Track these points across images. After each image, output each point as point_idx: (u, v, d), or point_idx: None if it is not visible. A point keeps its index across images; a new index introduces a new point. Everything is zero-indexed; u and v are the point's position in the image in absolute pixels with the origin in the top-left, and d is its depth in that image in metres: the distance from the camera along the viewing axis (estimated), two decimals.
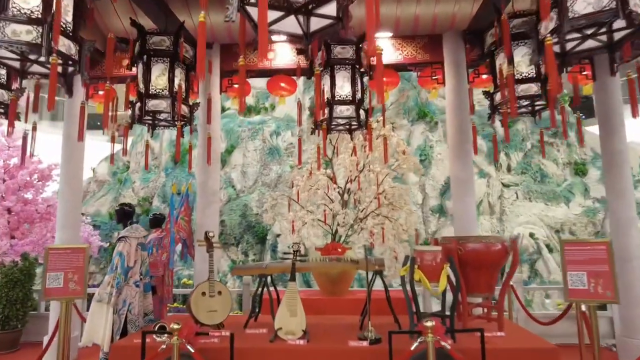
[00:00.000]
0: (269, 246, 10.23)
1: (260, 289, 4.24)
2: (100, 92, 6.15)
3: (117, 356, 3.35)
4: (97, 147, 14.64)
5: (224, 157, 11.50)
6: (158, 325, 3.63)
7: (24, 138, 4.23)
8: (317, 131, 4.83)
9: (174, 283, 5.85)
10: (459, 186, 5.30)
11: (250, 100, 12.51)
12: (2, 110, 3.67)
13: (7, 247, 6.57)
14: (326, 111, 4.49)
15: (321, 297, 5.37)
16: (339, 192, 5.80)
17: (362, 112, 4.55)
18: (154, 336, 3.34)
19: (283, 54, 5.78)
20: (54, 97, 2.87)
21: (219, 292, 4.11)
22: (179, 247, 5.23)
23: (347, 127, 4.80)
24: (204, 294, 4.03)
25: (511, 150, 11.24)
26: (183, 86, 4.44)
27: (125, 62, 6.01)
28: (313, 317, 3.95)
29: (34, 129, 4.27)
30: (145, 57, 4.37)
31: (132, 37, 4.49)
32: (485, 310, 4.12)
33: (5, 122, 3.76)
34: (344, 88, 4.49)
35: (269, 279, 4.13)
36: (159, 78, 4.38)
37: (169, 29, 4.60)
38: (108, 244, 9.87)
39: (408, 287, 3.51)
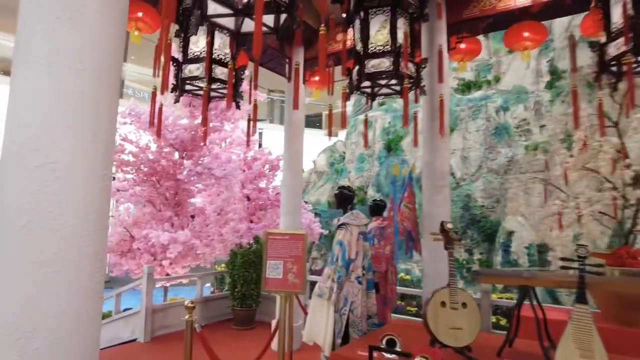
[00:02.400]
0: (499, 245, 8.55)
1: (519, 305, 3.01)
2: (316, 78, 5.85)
3: None
4: (317, 141, 15.64)
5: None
6: (386, 338, 2.84)
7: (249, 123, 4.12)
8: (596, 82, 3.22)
9: None
10: None
11: (468, 74, 10.94)
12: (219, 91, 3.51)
13: (245, 230, 7.11)
14: None
15: (606, 325, 3.68)
16: (634, 171, 3.89)
17: None
18: (383, 353, 2.57)
19: None
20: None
21: (464, 304, 3.04)
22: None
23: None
24: (443, 304, 3.03)
25: None
26: (408, 39, 3.53)
27: (340, 36, 5.58)
28: None
29: (252, 118, 4.10)
30: (362, 12, 3.67)
31: None
32: None
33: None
34: None
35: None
36: (378, 33, 3.58)
37: None
38: (327, 231, 10.05)
39: None
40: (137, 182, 6.76)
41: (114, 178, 6.88)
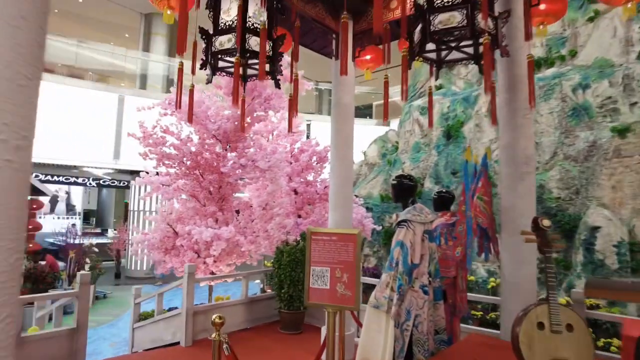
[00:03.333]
0: (579, 243, 7.44)
1: None
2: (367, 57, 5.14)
3: None
4: (367, 132, 14.90)
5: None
6: None
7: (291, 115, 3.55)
8: None
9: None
10: None
11: (537, 51, 9.72)
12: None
13: (291, 226, 6.62)
14: None
15: None
16: None
17: None
18: None
19: None
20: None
21: (569, 326, 2.30)
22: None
23: None
24: (541, 326, 2.30)
25: None
26: None
27: (394, 4, 4.87)
28: None
29: (293, 95, 3.52)
30: None
31: None
32: None
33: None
34: None
35: None
36: None
37: None
38: (380, 226, 9.36)
39: None
40: (180, 176, 6.46)
41: (157, 173, 6.63)
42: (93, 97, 12.26)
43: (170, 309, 6.25)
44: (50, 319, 5.73)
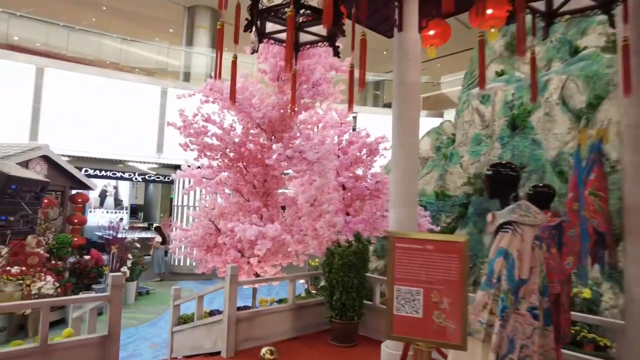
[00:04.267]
0: None
1: None
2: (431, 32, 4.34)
3: None
4: (427, 123, 13.95)
5: (586, 114, 8.13)
6: None
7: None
8: None
9: None
10: None
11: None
12: None
13: (342, 225, 5.97)
14: None
15: None
16: None
17: None
18: None
19: None
20: None
21: None
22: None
23: None
24: None
25: None
26: None
27: None
28: None
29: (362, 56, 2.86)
30: None
31: None
32: None
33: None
34: None
35: None
36: None
37: None
38: (437, 226, 8.52)
39: None
40: (223, 169, 5.99)
41: (199, 166, 6.20)
42: (137, 91, 12.17)
43: (212, 313, 5.81)
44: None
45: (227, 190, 6.23)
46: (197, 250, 6.03)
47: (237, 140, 5.76)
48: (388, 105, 18.78)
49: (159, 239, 12.70)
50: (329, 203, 5.71)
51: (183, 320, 5.66)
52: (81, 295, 5.62)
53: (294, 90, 2.68)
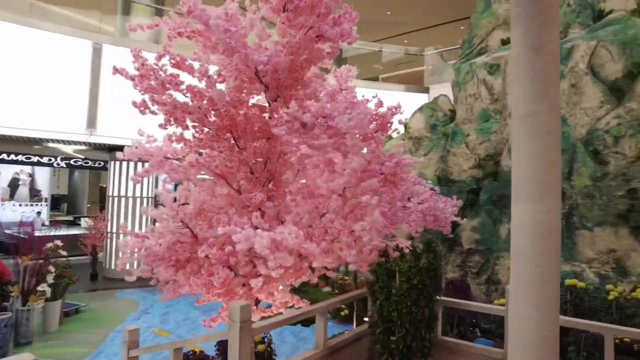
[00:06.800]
0: None
1: None
2: None
3: None
4: (395, 98, 12.43)
5: (622, 86, 7.02)
6: None
7: None
8: None
9: None
10: None
11: None
12: None
13: (382, 226, 4.21)
14: None
15: None
16: None
17: None
18: None
19: None
20: None
21: None
22: None
23: None
24: None
25: None
26: None
27: None
28: None
29: None
30: None
31: None
32: None
33: None
34: None
35: None
36: None
37: None
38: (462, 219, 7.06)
39: None
40: (202, 144, 3.95)
41: (154, 138, 4.09)
42: (60, 46, 9.34)
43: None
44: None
45: (206, 177, 4.20)
46: (160, 267, 3.97)
47: (227, 99, 3.74)
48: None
49: None
50: (372, 192, 3.88)
51: None
52: None
53: None
